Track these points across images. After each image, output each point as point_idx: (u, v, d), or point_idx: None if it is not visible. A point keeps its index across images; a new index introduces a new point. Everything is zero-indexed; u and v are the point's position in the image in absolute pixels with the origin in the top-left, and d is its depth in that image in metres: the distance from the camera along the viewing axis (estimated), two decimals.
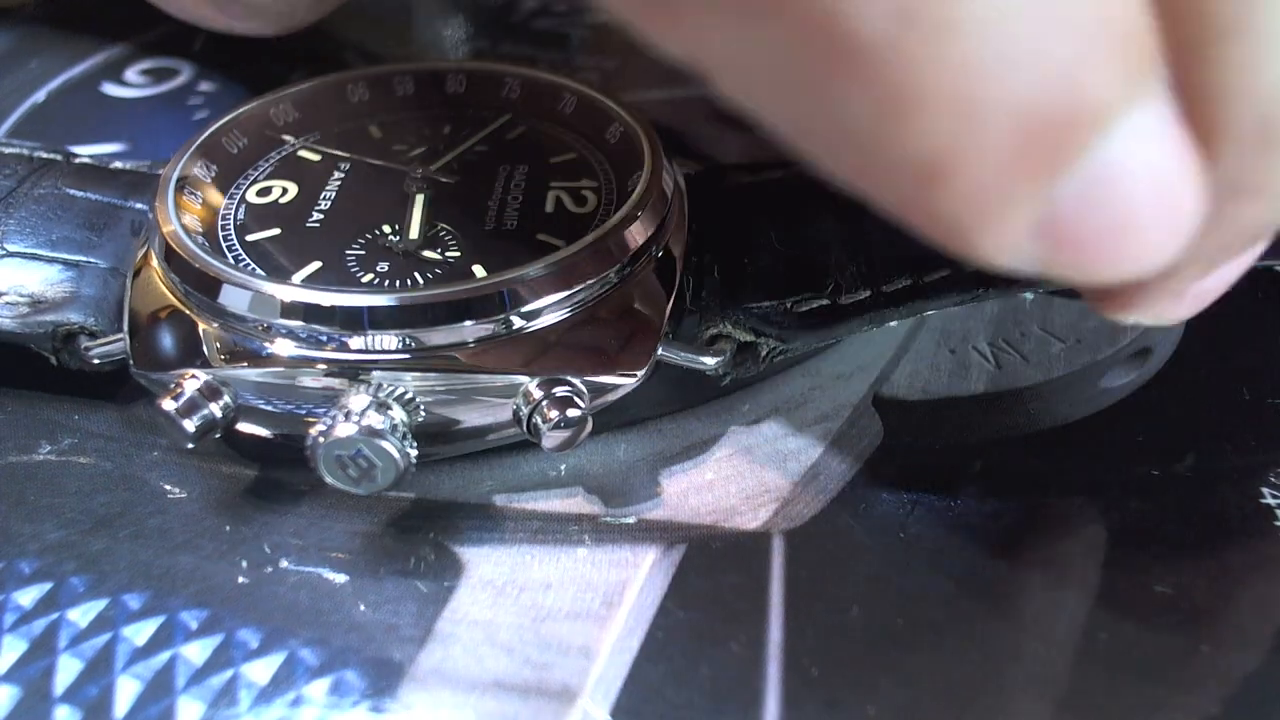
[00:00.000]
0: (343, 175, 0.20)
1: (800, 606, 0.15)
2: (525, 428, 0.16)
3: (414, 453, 0.16)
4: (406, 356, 0.16)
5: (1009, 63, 0.10)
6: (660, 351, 0.17)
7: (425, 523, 0.17)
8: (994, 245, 0.11)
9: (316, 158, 0.20)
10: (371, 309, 0.16)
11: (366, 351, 0.16)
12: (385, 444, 0.15)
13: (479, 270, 0.17)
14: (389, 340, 0.16)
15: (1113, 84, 0.10)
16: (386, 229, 0.18)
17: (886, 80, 0.10)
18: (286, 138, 0.21)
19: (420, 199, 0.19)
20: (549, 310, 0.16)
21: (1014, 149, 0.10)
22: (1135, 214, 0.11)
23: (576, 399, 0.16)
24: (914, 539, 0.16)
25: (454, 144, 0.21)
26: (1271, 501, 0.17)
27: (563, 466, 0.18)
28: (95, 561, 0.16)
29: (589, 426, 0.16)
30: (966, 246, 0.11)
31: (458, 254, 0.18)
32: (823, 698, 0.14)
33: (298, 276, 0.17)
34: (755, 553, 0.16)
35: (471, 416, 0.16)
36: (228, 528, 0.17)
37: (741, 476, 0.18)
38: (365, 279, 0.17)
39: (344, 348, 0.16)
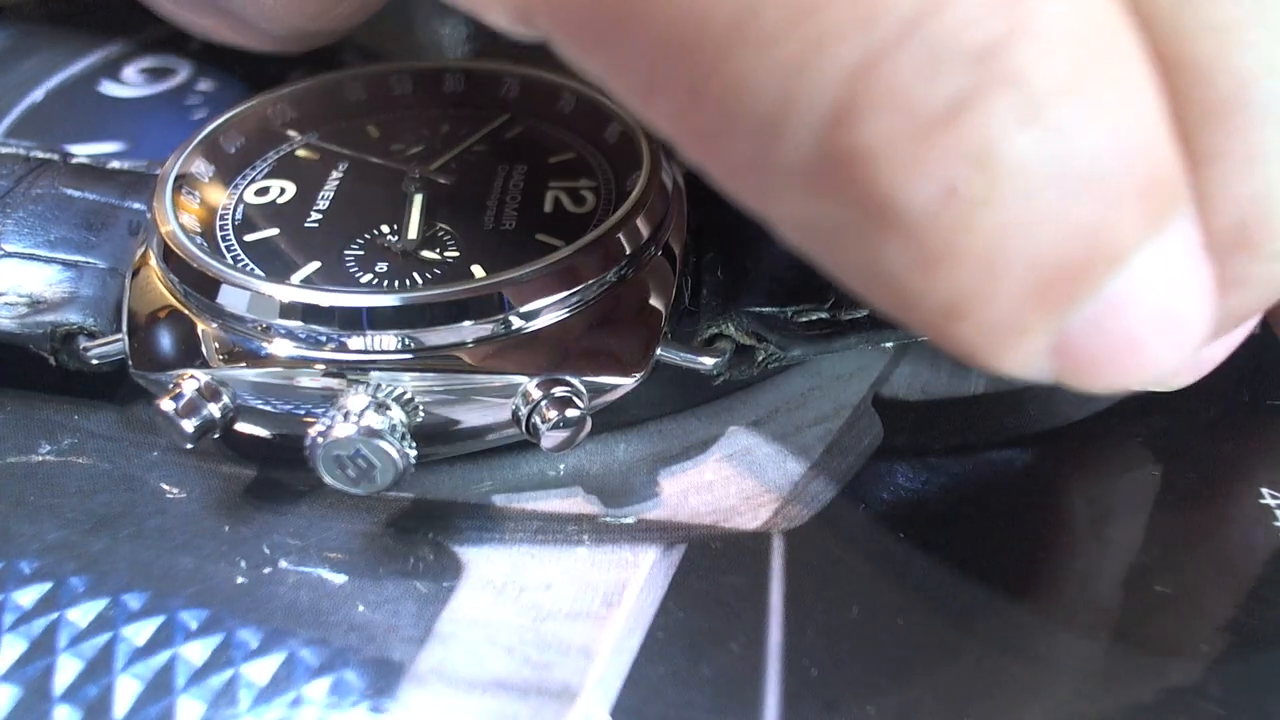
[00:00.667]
0: (341, 175, 0.20)
1: (800, 606, 0.15)
2: (524, 428, 0.16)
3: (413, 453, 0.16)
4: (405, 357, 0.16)
5: (1035, 226, 0.11)
6: (660, 352, 0.17)
7: (425, 523, 0.17)
8: (1010, 364, 0.12)
9: (315, 157, 0.20)
10: (370, 309, 0.16)
11: (365, 352, 0.16)
12: (384, 444, 0.15)
13: (478, 270, 0.17)
14: (388, 340, 0.16)
15: (1131, 227, 0.11)
16: (385, 229, 0.18)
17: (921, 242, 0.11)
18: (285, 137, 0.21)
19: (419, 199, 0.19)
20: (548, 310, 0.16)
21: (1029, 291, 0.11)
22: (1145, 335, 0.12)
23: (575, 399, 0.16)
24: (914, 539, 0.16)
25: (452, 143, 0.21)
26: (1271, 502, 0.17)
27: (562, 466, 0.18)
28: (95, 561, 0.16)
29: (588, 426, 0.16)
30: (985, 364, 0.12)
31: (456, 254, 0.18)
32: (823, 698, 0.14)
33: (296, 277, 0.17)
34: (755, 553, 0.16)
35: (470, 417, 0.16)
36: (227, 528, 0.17)
37: (741, 476, 0.18)
38: (364, 279, 0.17)
39: (343, 348, 0.16)
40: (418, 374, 0.16)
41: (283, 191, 0.19)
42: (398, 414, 0.16)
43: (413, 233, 0.18)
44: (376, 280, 0.17)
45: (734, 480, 0.18)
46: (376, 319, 0.16)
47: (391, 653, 0.15)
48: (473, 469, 0.18)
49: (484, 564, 0.16)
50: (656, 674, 0.15)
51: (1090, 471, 0.18)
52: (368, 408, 0.15)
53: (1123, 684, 0.15)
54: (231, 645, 0.15)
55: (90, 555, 0.16)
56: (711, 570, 0.16)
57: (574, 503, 0.17)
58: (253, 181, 0.20)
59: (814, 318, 0.18)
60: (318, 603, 0.16)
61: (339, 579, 0.16)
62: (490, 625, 0.15)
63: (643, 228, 0.18)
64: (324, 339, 0.16)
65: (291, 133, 0.21)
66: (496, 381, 0.16)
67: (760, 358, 0.18)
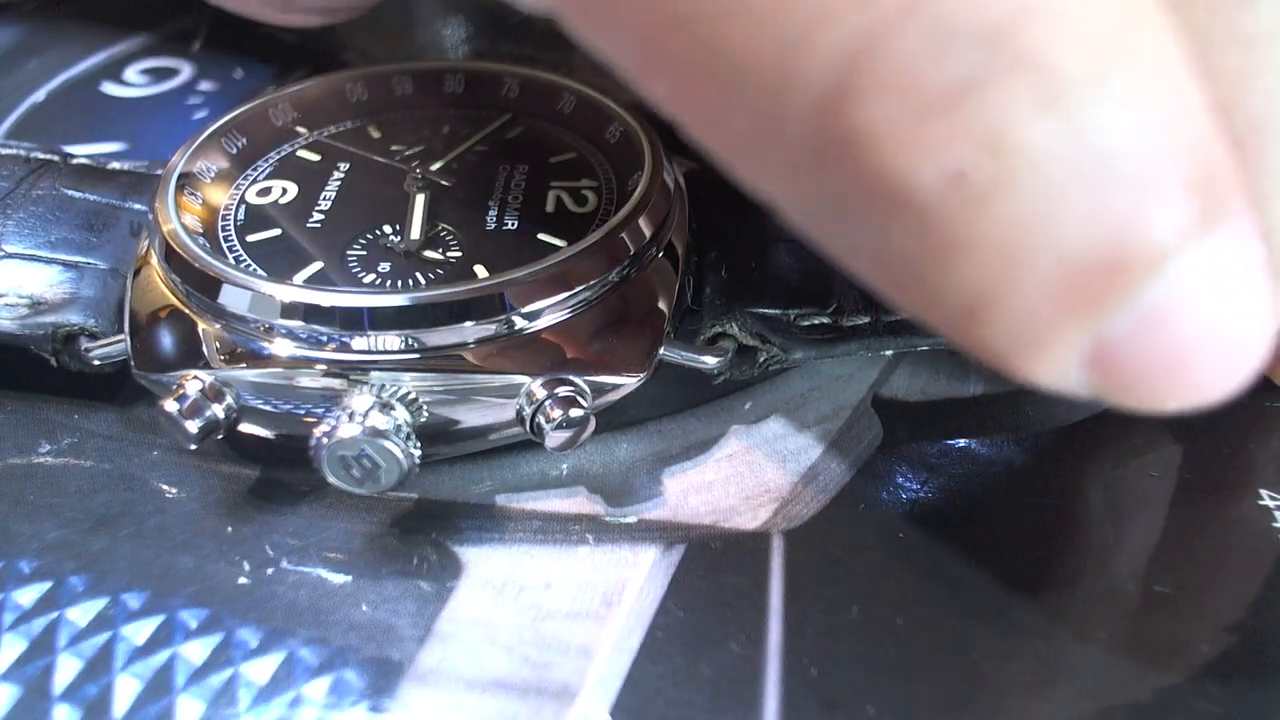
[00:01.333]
0: (343, 175, 0.20)
1: (800, 606, 0.15)
2: (528, 427, 0.16)
3: (418, 453, 0.16)
4: (408, 357, 0.16)
5: (1058, 217, 0.10)
6: (662, 351, 0.17)
7: (425, 522, 0.17)
8: (1041, 372, 0.11)
9: (316, 158, 0.20)
10: (372, 309, 0.16)
11: (367, 352, 0.16)
12: (389, 444, 0.15)
13: (480, 270, 0.17)
14: (390, 341, 0.16)
15: (1172, 224, 0.10)
16: (387, 229, 0.18)
17: (932, 228, 0.10)
18: (287, 137, 0.21)
19: (421, 199, 0.19)
20: (551, 310, 0.16)
21: (1058, 288, 0.10)
22: (1195, 350, 0.11)
23: (579, 398, 0.16)
24: (914, 539, 0.16)
25: (454, 144, 0.21)
26: (1270, 503, 0.17)
27: (563, 466, 0.18)
28: (95, 561, 0.16)
29: (592, 426, 0.16)
30: (1014, 371, 0.11)
31: (459, 254, 0.18)
32: (823, 698, 0.14)
33: (298, 277, 0.17)
34: (755, 553, 0.16)
35: (474, 417, 0.16)
36: (228, 528, 0.17)
37: (741, 476, 0.18)
38: (366, 279, 0.17)
39: (345, 348, 0.16)
40: (420, 374, 0.16)
41: (285, 192, 0.19)
42: (402, 414, 0.16)
43: (415, 233, 0.18)
44: (379, 280, 0.17)
45: (734, 480, 0.18)
46: (379, 319, 0.16)
47: (391, 652, 0.15)
48: (473, 469, 0.18)
49: (484, 563, 0.16)
50: (656, 673, 0.15)
51: (1089, 473, 0.18)
52: (373, 408, 0.15)
53: (1123, 684, 0.15)
54: (231, 645, 0.15)
55: (90, 555, 0.16)
56: (711, 570, 0.16)
57: (574, 502, 0.17)
58: (255, 182, 0.20)
59: (816, 322, 0.18)
60: (318, 602, 0.16)
61: (339, 579, 0.16)
62: (490, 625, 0.15)
63: (645, 227, 0.18)
64: (326, 339, 0.16)
65: (294, 132, 0.21)
66: (499, 381, 0.16)
67: (762, 359, 0.18)
